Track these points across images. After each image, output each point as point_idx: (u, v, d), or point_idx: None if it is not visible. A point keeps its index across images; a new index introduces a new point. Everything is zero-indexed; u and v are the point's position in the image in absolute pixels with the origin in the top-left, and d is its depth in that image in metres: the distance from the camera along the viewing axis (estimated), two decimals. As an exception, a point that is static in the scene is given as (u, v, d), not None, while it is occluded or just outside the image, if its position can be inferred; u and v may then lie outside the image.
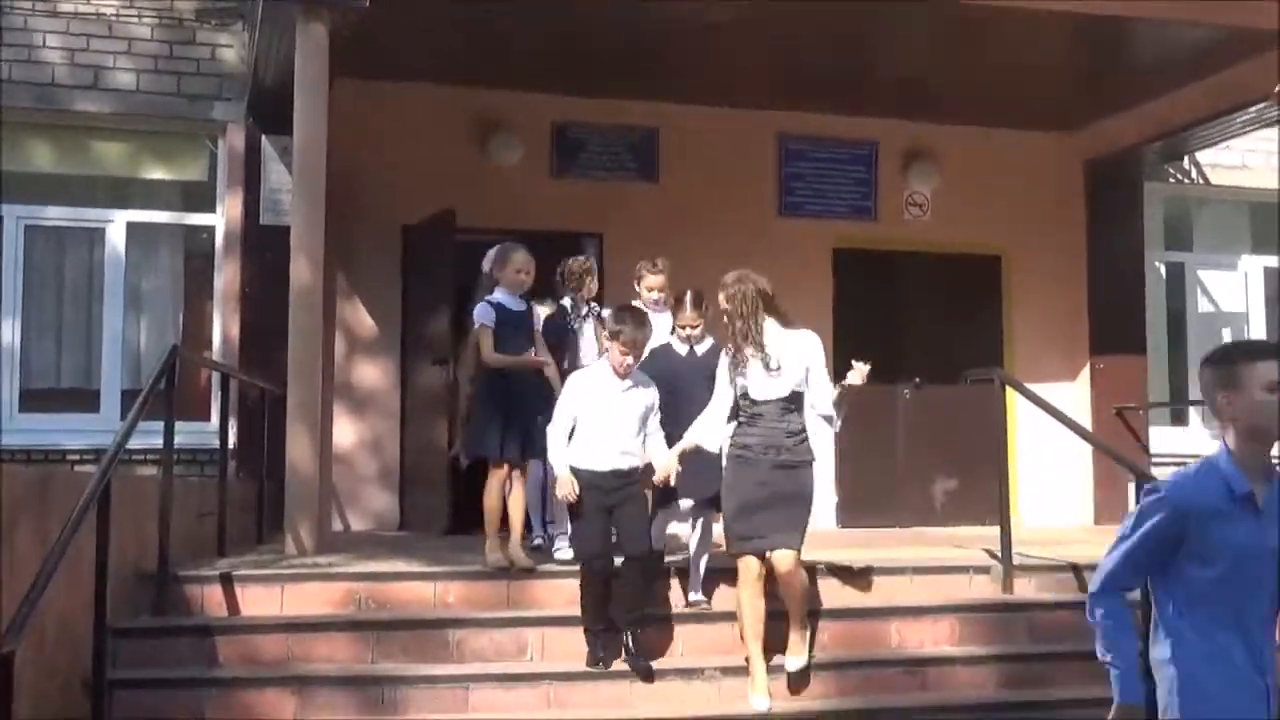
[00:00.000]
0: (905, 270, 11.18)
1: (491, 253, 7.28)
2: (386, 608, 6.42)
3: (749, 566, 5.99)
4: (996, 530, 7.13)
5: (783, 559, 5.94)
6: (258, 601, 6.31)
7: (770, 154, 11.02)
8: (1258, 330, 12.29)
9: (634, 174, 10.69)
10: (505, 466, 6.72)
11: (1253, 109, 9.94)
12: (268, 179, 9.58)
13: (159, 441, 6.48)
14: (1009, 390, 7.75)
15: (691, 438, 6.15)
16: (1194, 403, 11.91)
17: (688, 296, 6.70)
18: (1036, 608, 7.00)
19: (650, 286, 7.38)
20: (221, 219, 9.80)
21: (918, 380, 10.74)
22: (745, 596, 6.02)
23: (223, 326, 9.68)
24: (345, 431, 9.95)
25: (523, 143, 10.33)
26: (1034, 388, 7.87)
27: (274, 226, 9.20)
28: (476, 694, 5.92)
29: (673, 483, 6.21)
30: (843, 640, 6.56)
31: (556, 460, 6.19)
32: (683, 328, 6.72)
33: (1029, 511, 10.57)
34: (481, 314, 6.87)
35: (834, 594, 6.78)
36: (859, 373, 6.19)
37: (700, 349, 6.71)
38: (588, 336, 7.55)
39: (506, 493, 6.77)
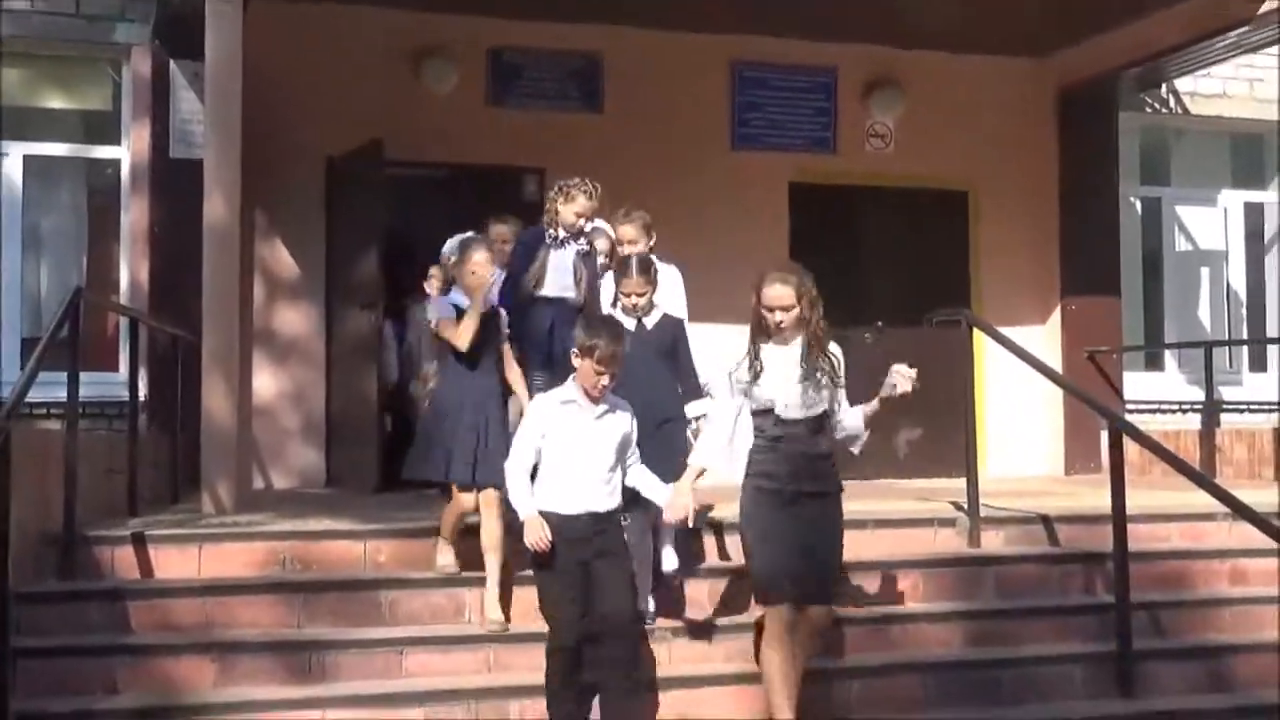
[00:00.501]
0: (866, 206, 11.20)
1: (453, 241, 7.09)
2: (313, 568, 6.42)
3: (779, 618, 5.47)
4: (963, 482, 7.21)
5: (822, 615, 5.62)
6: (173, 563, 6.28)
7: (723, 82, 10.97)
8: (1237, 269, 12.45)
9: (577, 103, 10.61)
10: (472, 492, 6.22)
11: (1233, 33, 10.00)
12: (177, 108, 9.43)
13: (63, 394, 6.42)
14: (976, 333, 7.81)
15: (698, 462, 5.65)
16: (1170, 346, 12.07)
17: (634, 261, 6.33)
18: (1004, 561, 7.10)
19: (621, 238, 6.91)
20: (127, 152, 9.66)
21: (879, 324, 10.80)
22: (775, 659, 5.48)
23: (131, 269, 9.55)
24: (266, 382, 9.88)
25: (456, 69, 10.22)
26: (1003, 330, 7.92)
27: (185, 160, 9.06)
28: (412, 658, 5.93)
29: (691, 522, 5.87)
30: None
31: (520, 502, 5.50)
32: (627, 296, 6.29)
33: (997, 461, 10.68)
34: (440, 309, 6.48)
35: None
36: (906, 378, 5.62)
37: (650, 321, 6.34)
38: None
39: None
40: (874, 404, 5.67)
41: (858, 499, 8.12)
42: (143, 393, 8.23)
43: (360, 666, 5.87)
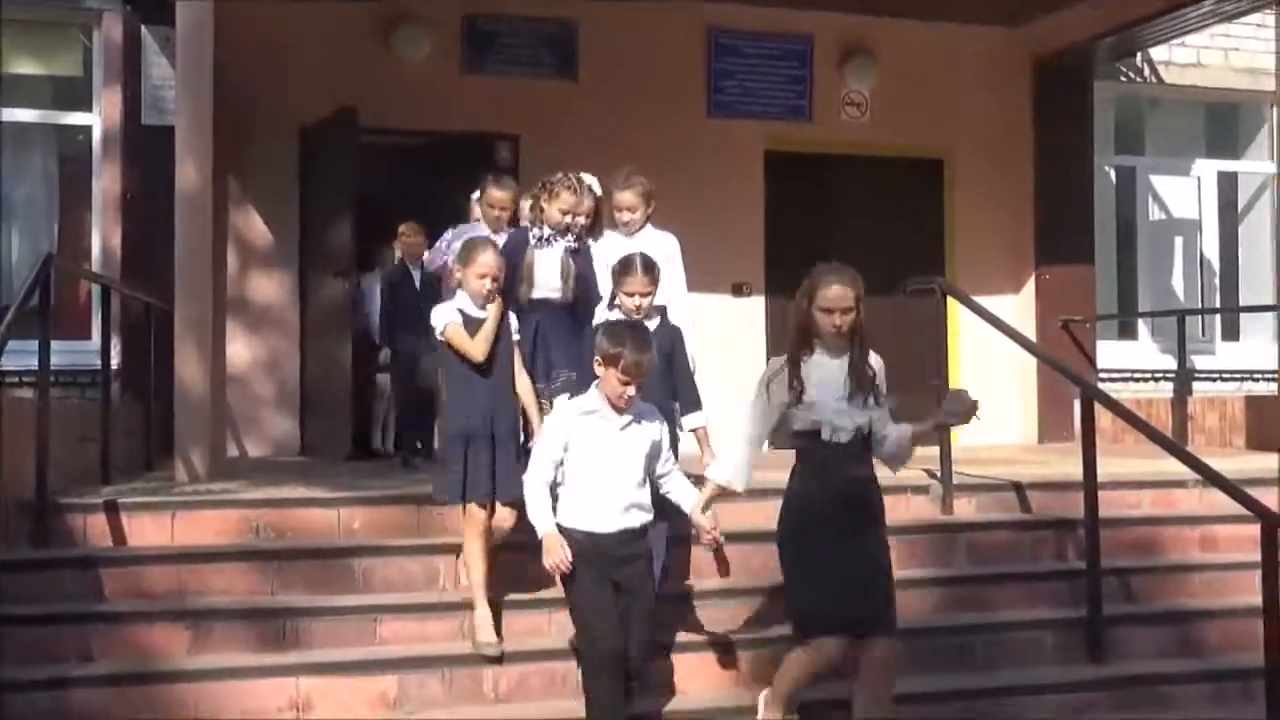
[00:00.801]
0: (841, 174, 11.19)
1: (453, 241, 6.57)
2: (287, 536, 6.41)
3: (824, 653, 5.06)
4: (936, 450, 7.24)
5: (887, 648, 5.12)
6: (147, 531, 6.27)
7: (699, 49, 10.93)
8: (1210, 237, 12.51)
9: (552, 70, 10.56)
10: (485, 509, 5.84)
11: (1208, 2, 10.00)
12: (149, 74, 9.36)
13: (34, 362, 6.38)
14: (951, 301, 7.84)
15: (719, 479, 5.28)
16: (1143, 315, 12.13)
17: (638, 260, 5.88)
18: (976, 528, 7.15)
19: (619, 205, 6.69)
20: (99, 118, 9.59)
21: (854, 293, 10.81)
22: (802, 676, 5.17)
23: (103, 236, 9.49)
24: (240, 350, 9.86)
25: (430, 36, 10.15)
26: (977, 299, 7.95)
27: (157, 126, 9.01)
28: (385, 625, 5.94)
29: (721, 540, 5.50)
30: (774, 565, 6.63)
31: (540, 519, 5.16)
32: (630, 296, 5.84)
33: (970, 429, 10.67)
34: (445, 314, 5.93)
35: (767, 517, 6.86)
36: (969, 408, 5.29)
37: (650, 326, 5.85)
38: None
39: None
40: (927, 425, 5.36)
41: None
42: (116, 361, 8.20)
43: (334, 634, 5.87)
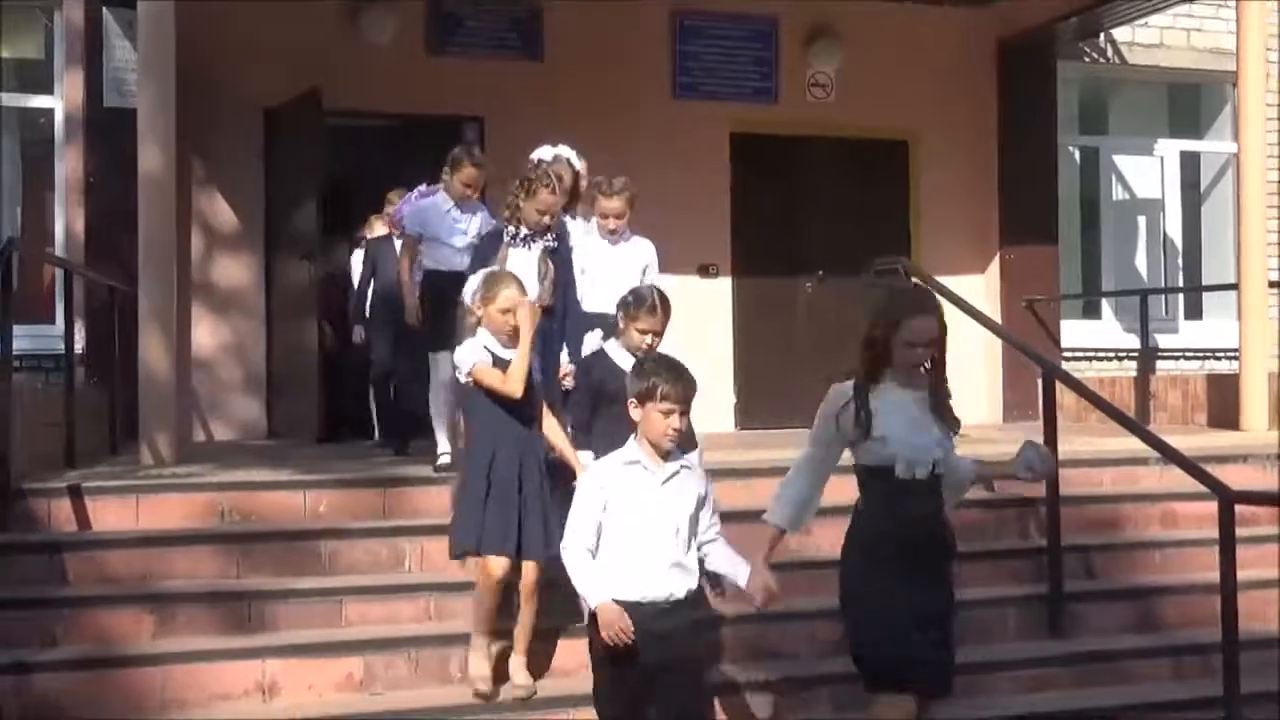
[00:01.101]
0: (807, 156, 11.20)
1: (475, 281, 5.78)
2: (252, 519, 6.39)
3: (903, 711, 4.52)
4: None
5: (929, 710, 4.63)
6: (111, 515, 6.24)
7: (664, 31, 10.92)
8: (1173, 216, 12.58)
9: (517, 52, 10.53)
10: (504, 561, 5.38)
11: (1170, -18, 10.06)
12: (111, 56, 9.28)
13: (-4, 346, 6.34)
14: (915, 282, 7.86)
15: (778, 523, 4.75)
16: (1107, 294, 12.21)
17: (654, 296, 5.57)
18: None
19: (606, 213, 6.58)
20: (61, 101, 9.50)
21: (820, 273, 10.85)
22: None
23: (66, 219, 9.42)
24: (205, 334, 9.82)
25: (396, 17, 10.10)
26: (942, 279, 7.98)
27: (120, 109, 8.93)
28: (351, 607, 5.93)
29: (780, 602, 4.88)
30: (738, 543, 6.63)
31: (591, 588, 4.54)
32: (643, 333, 5.53)
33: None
34: (471, 354, 5.44)
35: (730, 496, 6.87)
36: (1049, 467, 4.87)
37: None
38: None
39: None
40: (996, 469, 5.07)
41: (793, 447, 8.20)
42: (80, 345, 8.17)
43: (300, 616, 5.86)
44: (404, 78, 10.03)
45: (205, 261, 9.83)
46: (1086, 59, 12.11)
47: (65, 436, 7.15)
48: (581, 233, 6.81)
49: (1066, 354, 11.30)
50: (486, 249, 6.31)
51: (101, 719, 5.27)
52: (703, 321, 10.12)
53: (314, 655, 5.65)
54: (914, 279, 7.83)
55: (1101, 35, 11.93)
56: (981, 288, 11.29)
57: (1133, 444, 6.79)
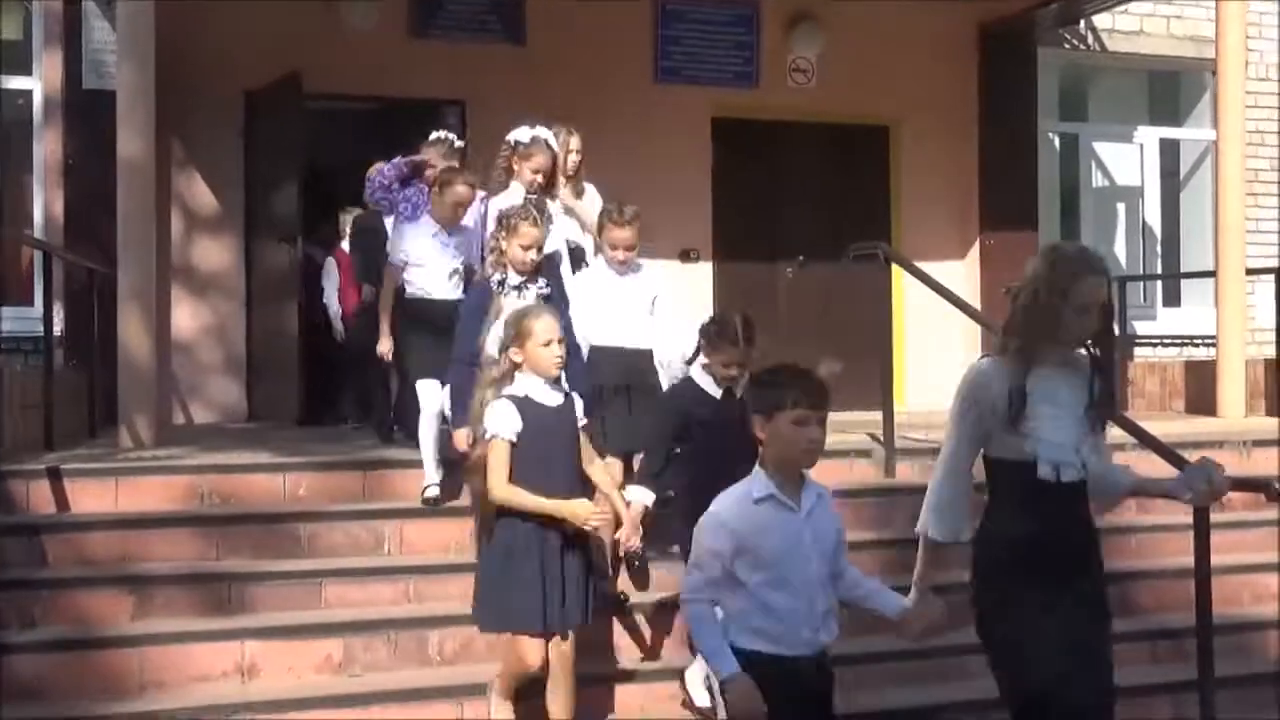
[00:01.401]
0: (788, 141, 11.20)
1: (496, 330, 5.28)
2: (231, 502, 6.40)
3: None
4: (879, 414, 7.30)
5: None
6: (90, 497, 6.24)
7: (646, 15, 10.89)
8: (1152, 203, 12.63)
9: (499, 35, 10.50)
10: (540, 642, 4.96)
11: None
12: (90, 38, 9.26)
13: (-26, 328, 6.33)
14: (897, 270, 7.88)
15: (939, 536, 4.03)
16: (1086, 281, 12.23)
17: (736, 320, 5.26)
18: (918, 491, 7.08)
19: (616, 243, 6.17)
20: (39, 82, 9.48)
21: (800, 258, 10.87)
22: None
23: (45, 201, 9.40)
24: (185, 316, 9.79)
25: (378, 0, 10.08)
26: (923, 265, 8.00)
27: (99, 91, 8.93)
28: (330, 590, 5.94)
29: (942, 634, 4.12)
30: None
31: (717, 656, 3.75)
32: (726, 366, 5.25)
33: (916, 394, 10.81)
34: (500, 420, 4.85)
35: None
36: (1218, 487, 4.04)
37: (739, 392, 5.18)
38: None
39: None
40: (1153, 483, 4.34)
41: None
42: (59, 327, 8.15)
43: (279, 598, 5.87)
44: (385, 61, 9.99)
45: (185, 244, 9.80)
46: (1067, 46, 12.14)
47: (44, 419, 7.13)
48: (591, 272, 6.56)
49: (1046, 340, 11.32)
50: (476, 305, 5.85)
51: (80, 700, 5.26)
52: (684, 307, 10.09)
53: (293, 637, 5.65)
54: (894, 265, 7.84)
55: (1082, 22, 11.96)
56: (962, 273, 11.32)
57: (1109, 430, 6.81)
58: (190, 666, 5.49)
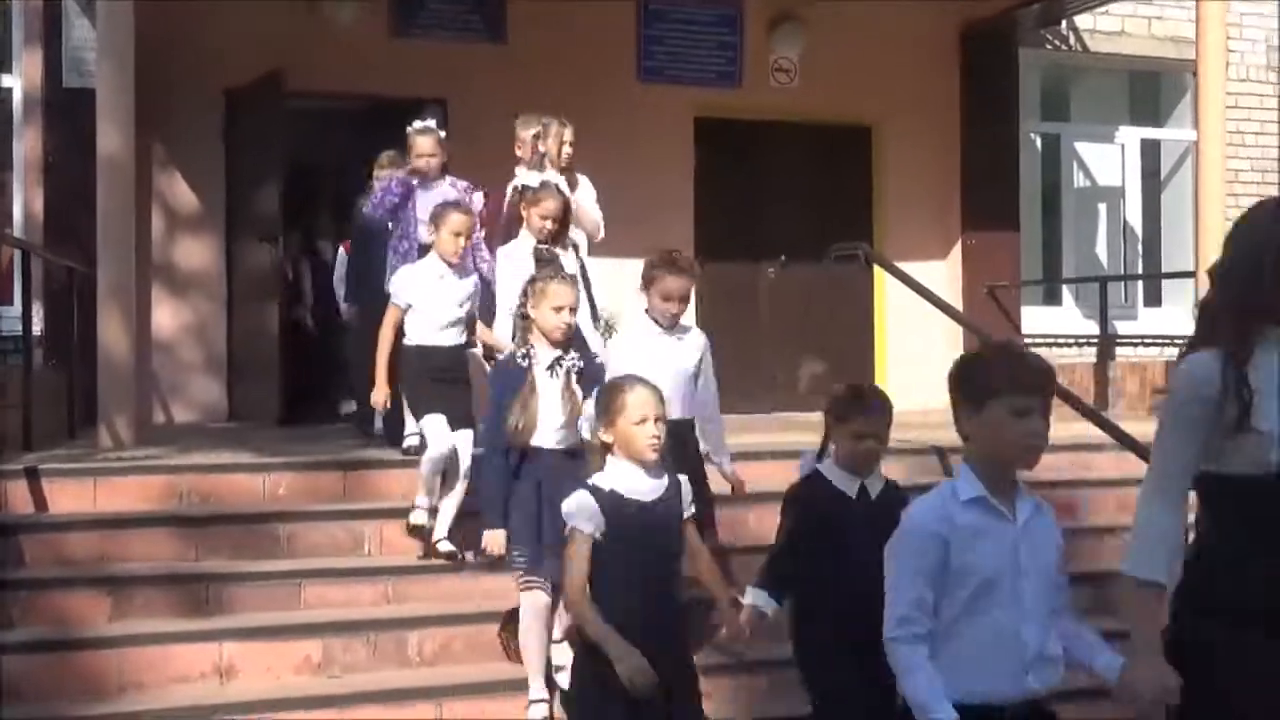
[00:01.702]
0: (770, 141, 11.21)
1: (590, 408, 4.68)
2: (211, 502, 6.39)
3: None
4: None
5: None
6: (68, 498, 6.22)
7: (629, 14, 10.89)
8: (1133, 204, 12.67)
9: (481, 34, 10.48)
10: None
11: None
12: (70, 36, 9.22)
13: (-48, 326, 6.31)
14: (879, 270, 7.89)
15: (1151, 573, 3.06)
16: (1067, 281, 12.29)
17: (871, 390, 4.52)
18: (900, 491, 7.20)
19: (670, 294, 5.38)
20: (19, 80, 9.42)
21: (782, 259, 10.88)
22: None
23: (24, 200, 9.35)
24: (165, 316, 9.76)
25: (358, -2, 10.07)
26: (904, 265, 8.04)
27: (79, 89, 8.90)
28: (310, 590, 5.93)
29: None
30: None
31: (928, 698, 3.09)
32: (860, 438, 4.36)
33: (898, 394, 10.65)
34: (582, 511, 4.04)
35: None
36: None
37: (875, 489, 4.44)
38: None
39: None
40: None
41: (757, 432, 8.26)
42: (38, 327, 8.11)
43: (258, 599, 5.86)
44: (366, 59, 9.97)
45: (165, 243, 9.77)
46: (1048, 46, 12.17)
47: (23, 419, 7.11)
48: (633, 336, 5.68)
49: (1027, 340, 11.34)
50: (507, 386, 5.23)
51: (58, 701, 5.24)
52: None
53: (272, 638, 5.64)
54: (875, 265, 7.86)
55: (1063, 23, 11.99)
56: (943, 273, 11.34)
57: (1089, 430, 6.85)
58: (169, 667, 5.47)
